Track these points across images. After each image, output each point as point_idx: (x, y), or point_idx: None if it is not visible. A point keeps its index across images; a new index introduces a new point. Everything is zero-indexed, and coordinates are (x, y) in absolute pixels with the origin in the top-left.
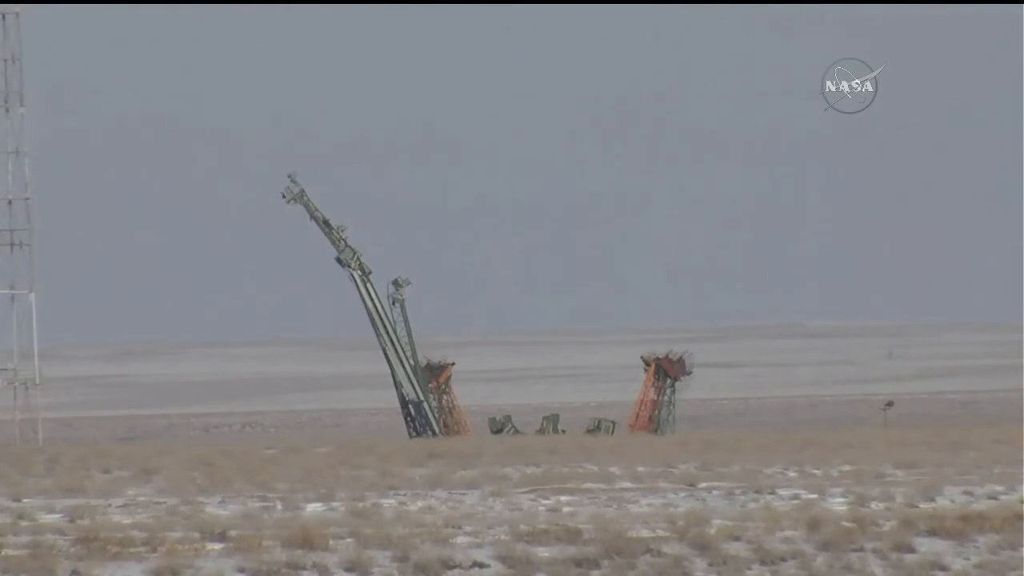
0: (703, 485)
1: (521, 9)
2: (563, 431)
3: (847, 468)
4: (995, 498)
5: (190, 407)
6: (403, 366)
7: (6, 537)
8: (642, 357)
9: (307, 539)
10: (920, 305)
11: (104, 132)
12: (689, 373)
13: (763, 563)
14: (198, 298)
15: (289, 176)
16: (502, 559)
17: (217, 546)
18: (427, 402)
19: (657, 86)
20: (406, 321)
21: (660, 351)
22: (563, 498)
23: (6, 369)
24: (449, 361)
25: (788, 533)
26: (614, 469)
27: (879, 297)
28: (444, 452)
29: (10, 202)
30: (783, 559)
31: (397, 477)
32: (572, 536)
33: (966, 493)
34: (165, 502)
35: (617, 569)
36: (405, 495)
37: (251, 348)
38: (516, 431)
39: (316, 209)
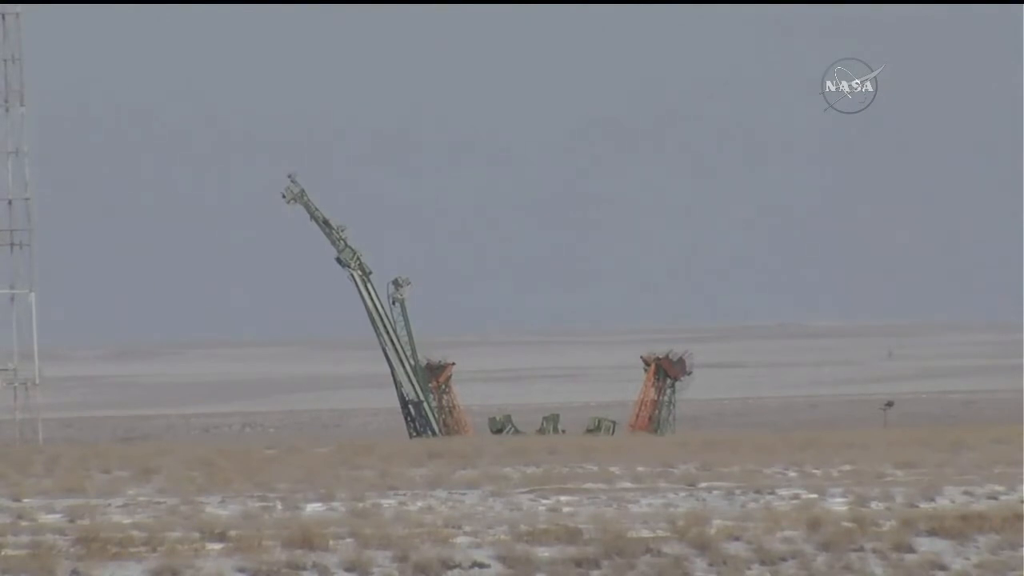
0: (703, 485)
1: (520, 9)
2: (563, 431)
3: (847, 468)
4: (995, 498)
5: (190, 407)
6: (403, 366)
7: (6, 537)
8: (642, 357)
9: (307, 539)
10: (920, 305)
11: (104, 132)
12: (689, 373)
13: (763, 563)
14: (198, 298)
15: (289, 176)
16: (502, 559)
17: (217, 546)
18: (427, 402)
19: (658, 86)
20: (406, 321)
21: (660, 351)
22: (563, 498)
23: (6, 369)
24: (449, 361)
25: (788, 533)
26: (614, 469)
27: (879, 297)
28: (444, 452)
29: (10, 202)
30: (783, 559)
31: (397, 477)
32: (572, 536)
33: (966, 493)
34: (165, 502)
35: (617, 569)
36: (405, 495)
37: (251, 348)
38: (516, 431)
39: (316, 209)
